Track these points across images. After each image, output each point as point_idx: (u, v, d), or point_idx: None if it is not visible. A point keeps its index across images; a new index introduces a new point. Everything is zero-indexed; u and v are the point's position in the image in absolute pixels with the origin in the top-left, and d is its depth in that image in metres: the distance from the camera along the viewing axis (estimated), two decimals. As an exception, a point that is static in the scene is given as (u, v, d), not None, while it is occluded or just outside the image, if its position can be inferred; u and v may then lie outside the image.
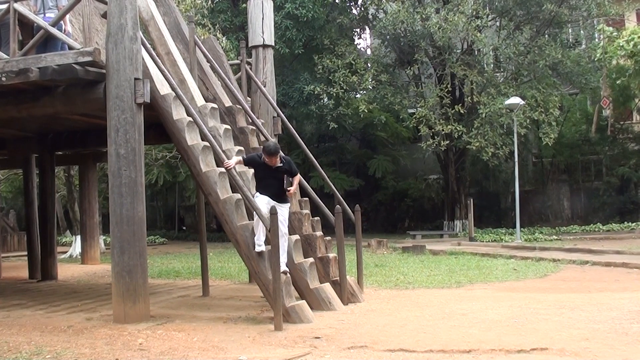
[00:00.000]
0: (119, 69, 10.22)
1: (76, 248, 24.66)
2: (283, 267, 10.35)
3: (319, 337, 8.91)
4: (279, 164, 10.68)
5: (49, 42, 11.43)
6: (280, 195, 10.70)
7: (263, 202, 10.44)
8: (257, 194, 10.68)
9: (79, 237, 23.92)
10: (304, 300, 10.65)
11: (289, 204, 11.02)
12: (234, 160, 10.82)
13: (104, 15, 11.01)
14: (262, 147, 11.22)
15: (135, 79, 10.29)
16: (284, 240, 10.55)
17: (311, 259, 11.37)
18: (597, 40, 31.12)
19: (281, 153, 10.90)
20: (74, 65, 10.30)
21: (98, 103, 10.76)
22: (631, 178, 33.47)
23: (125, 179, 10.18)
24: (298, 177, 11.21)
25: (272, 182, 10.68)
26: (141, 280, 10.20)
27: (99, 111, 11.16)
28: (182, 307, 12.00)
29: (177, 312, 11.28)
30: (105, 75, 10.39)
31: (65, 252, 25.29)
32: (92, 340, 8.89)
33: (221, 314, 11.00)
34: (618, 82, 28.49)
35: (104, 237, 26.27)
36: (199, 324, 10.13)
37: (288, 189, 10.80)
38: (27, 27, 11.71)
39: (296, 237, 11.43)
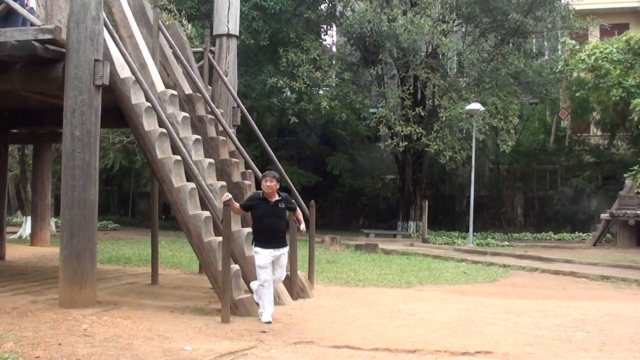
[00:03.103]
0: (79, 49, 10.09)
1: (26, 229, 24.29)
2: (268, 317, 9.64)
3: (265, 331, 8.91)
4: (277, 198, 9.96)
5: (9, 17, 11.22)
6: (280, 237, 9.95)
7: (266, 260, 9.73)
8: (256, 248, 9.81)
9: (29, 218, 23.57)
10: (252, 294, 10.60)
11: (287, 247, 10.20)
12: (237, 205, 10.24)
13: (68, -6, 10.86)
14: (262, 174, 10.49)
15: (95, 60, 10.17)
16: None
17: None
18: (559, 52, 31.47)
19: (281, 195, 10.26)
20: (33, 42, 10.14)
21: (56, 82, 10.61)
22: (585, 189, 34.00)
23: (79, 162, 10.05)
24: (300, 212, 10.58)
25: (272, 221, 9.81)
26: (89, 265, 10.08)
27: (57, 90, 10.98)
28: (129, 294, 11.90)
29: (124, 299, 11.17)
30: (65, 54, 10.26)
31: (15, 233, 24.90)
32: (35, 324, 8.76)
33: (169, 303, 10.93)
34: (577, 94, 28.86)
35: (55, 219, 25.95)
36: (145, 312, 10.04)
37: (300, 228, 10.23)
38: (-13, 0, 11.49)
39: (248, 229, 11.36)
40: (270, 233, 9.77)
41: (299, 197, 13.40)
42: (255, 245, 9.87)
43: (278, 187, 10.03)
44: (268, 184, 9.86)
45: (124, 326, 8.90)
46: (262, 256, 9.69)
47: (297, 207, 10.54)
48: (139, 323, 9.14)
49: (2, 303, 10.28)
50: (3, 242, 17.29)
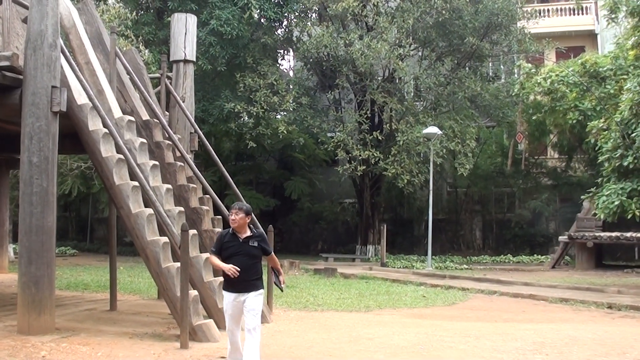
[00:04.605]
0: (37, 75, 10.09)
1: (-17, 255, 23.97)
2: None
3: (224, 357, 8.90)
4: (249, 234, 8.40)
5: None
6: (249, 279, 8.27)
7: (228, 305, 8.38)
8: (223, 291, 8.54)
9: (-14, 245, 23.28)
10: (211, 319, 10.61)
11: (261, 291, 8.50)
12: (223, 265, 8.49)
13: (25, 20, 10.84)
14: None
15: (53, 86, 10.17)
16: (255, 337, 8.36)
17: (221, 278, 11.28)
18: (515, 75, 31.79)
19: (256, 228, 9.04)
20: (-11, 68, 10.12)
21: (13, 109, 10.58)
22: (542, 212, 34.37)
23: (36, 188, 10.03)
24: (274, 258, 8.93)
25: (240, 260, 8.19)
26: (47, 291, 10.02)
27: (14, 117, 10.95)
28: (88, 320, 11.81)
29: (82, 326, 11.10)
30: (22, 81, 10.24)
31: (-28, 259, 24.55)
32: (-7, 351, 8.70)
33: (127, 329, 10.88)
34: (534, 117, 29.21)
35: (14, 246, 25.64)
36: (104, 338, 9.99)
37: (275, 282, 8.85)
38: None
39: (206, 255, 11.37)
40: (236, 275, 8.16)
41: (257, 221, 13.41)
42: (223, 289, 8.60)
43: (248, 220, 8.40)
44: (232, 217, 8.32)
45: (82, 353, 8.85)
46: (226, 301, 8.40)
47: (272, 252, 8.90)
48: (98, 349, 9.09)
49: (-42, 331, 10.19)
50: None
